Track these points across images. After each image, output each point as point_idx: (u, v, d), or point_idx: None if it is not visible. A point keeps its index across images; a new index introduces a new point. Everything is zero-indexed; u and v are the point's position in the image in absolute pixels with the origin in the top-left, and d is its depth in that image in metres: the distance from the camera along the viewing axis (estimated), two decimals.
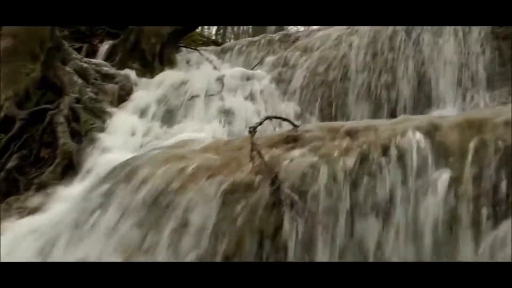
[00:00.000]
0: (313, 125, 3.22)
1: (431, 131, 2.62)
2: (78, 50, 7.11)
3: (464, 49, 5.61)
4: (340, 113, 5.96)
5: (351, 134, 2.85)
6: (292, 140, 3.00)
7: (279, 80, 6.53)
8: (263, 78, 6.48)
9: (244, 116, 5.82)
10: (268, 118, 3.20)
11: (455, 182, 2.40)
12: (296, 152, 2.81)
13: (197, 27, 9.20)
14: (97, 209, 3.06)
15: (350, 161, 2.58)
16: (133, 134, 5.39)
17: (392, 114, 5.68)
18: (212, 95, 6.04)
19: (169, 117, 5.81)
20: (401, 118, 2.97)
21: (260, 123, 3.06)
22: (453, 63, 5.63)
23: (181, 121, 5.73)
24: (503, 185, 2.25)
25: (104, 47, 7.50)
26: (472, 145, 2.46)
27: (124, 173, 3.18)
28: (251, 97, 6.16)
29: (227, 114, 5.82)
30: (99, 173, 3.87)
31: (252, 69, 6.90)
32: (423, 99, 5.68)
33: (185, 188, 2.79)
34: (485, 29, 5.57)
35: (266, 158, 2.79)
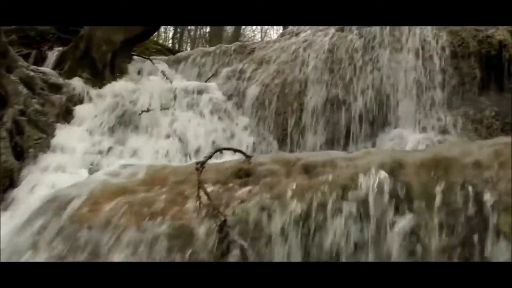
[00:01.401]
0: (266, 157, 2.95)
1: (395, 170, 2.40)
2: (26, 56, 6.71)
3: (423, 67, 5.46)
4: (295, 128, 5.73)
5: (308, 169, 2.60)
6: (244, 175, 2.73)
7: (233, 93, 6.27)
8: (217, 91, 6.19)
9: (197, 132, 5.53)
10: (219, 150, 2.91)
11: (420, 229, 2.18)
12: (247, 191, 2.54)
13: (152, 35, 8.84)
14: (28, 249, 2.72)
15: (306, 204, 2.32)
16: (79, 150, 5.03)
17: (348, 132, 5.52)
18: (163, 108, 5.72)
19: (118, 132, 5.47)
20: (363, 152, 2.72)
21: (210, 157, 2.77)
22: (412, 81, 5.47)
23: (130, 137, 5.39)
24: (475, 238, 2.03)
25: (54, 54, 7.08)
26: (439, 189, 2.23)
27: (58, 208, 2.84)
28: (204, 111, 5.87)
29: (178, 129, 5.52)
30: (37, 202, 3.52)
31: (206, 81, 6.61)
32: (381, 117, 5.52)
33: (124, 231, 2.48)
34: (445, 47, 5.44)
35: (215, 196, 2.51)
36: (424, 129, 5.24)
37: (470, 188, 2.17)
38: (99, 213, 2.62)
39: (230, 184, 2.67)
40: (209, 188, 2.63)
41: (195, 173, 2.75)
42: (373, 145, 5.12)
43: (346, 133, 5.56)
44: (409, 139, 5.16)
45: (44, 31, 7.67)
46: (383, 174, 2.36)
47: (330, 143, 5.56)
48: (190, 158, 5.19)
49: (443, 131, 5.16)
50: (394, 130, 5.36)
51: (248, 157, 2.88)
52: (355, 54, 5.87)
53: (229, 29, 20.79)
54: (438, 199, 2.22)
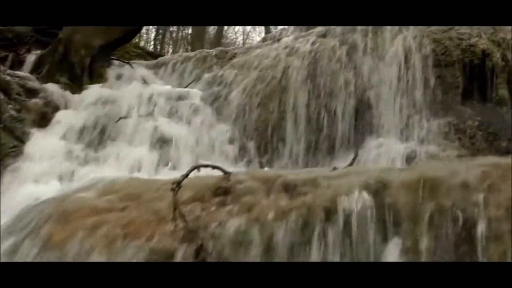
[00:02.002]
0: (246, 174, 2.83)
1: (379, 191, 2.30)
2: (3, 59, 6.58)
3: (406, 75, 5.39)
4: (277, 136, 5.62)
5: (288, 188, 2.49)
6: (222, 193, 2.61)
7: (214, 100, 6.14)
8: (197, 98, 6.07)
9: (176, 140, 5.40)
10: (196, 168, 2.79)
11: (408, 253, 2.08)
12: (226, 211, 2.43)
13: (132, 38, 8.68)
14: None
15: (287, 227, 2.22)
16: (56, 159, 4.87)
17: (331, 140, 5.43)
18: (142, 115, 5.58)
19: (96, 140, 5.32)
20: (345, 170, 2.63)
21: (186, 176, 2.65)
22: (395, 89, 5.40)
23: (108, 145, 5.24)
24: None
25: (32, 57, 6.90)
26: (426, 212, 2.14)
27: (28, 227, 2.71)
28: (184, 118, 5.75)
29: (158, 137, 5.38)
30: (7, 218, 3.37)
31: (186, 87, 6.49)
32: (364, 125, 5.44)
33: (94, 254, 2.35)
34: (428, 55, 5.38)
35: (192, 216, 2.40)
36: (407, 138, 5.16)
37: (459, 213, 2.08)
38: (69, 234, 2.49)
39: (208, 203, 2.56)
40: (186, 207, 2.52)
41: (175, 182, 2.64)
42: (356, 154, 5.03)
43: (329, 141, 5.46)
44: (392, 148, 5.07)
45: (22, 33, 7.51)
46: (366, 196, 2.26)
47: (312, 151, 5.46)
48: (170, 167, 5.07)
49: (426, 140, 5.08)
50: (377, 139, 5.27)
51: (227, 173, 2.77)
52: (338, 61, 5.77)
53: (211, 30, 20.70)
54: (425, 223, 2.12)
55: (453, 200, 2.13)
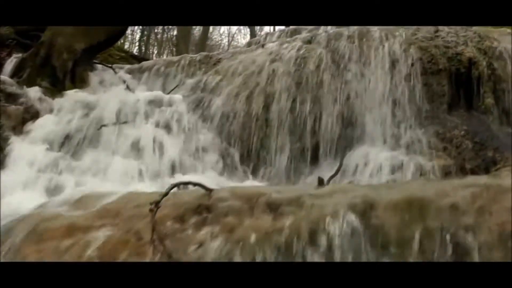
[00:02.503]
0: (228, 191, 2.73)
1: (366, 212, 2.22)
2: None
3: (392, 83, 5.33)
4: (261, 144, 5.53)
5: (272, 208, 2.40)
6: (203, 210, 2.51)
7: (197, 106, 6.04)
8: (180, 104, 5.96)
9: (159, 148, 5.30)
10: (176, 186, 2.69)
11: None
12: (207, 232, 2.33)
13: (115, 42, 8.56)
14: None
15: (270, 251, 2.13)
16: (36, 168, 4.74)
17: (315, 148, 5.34)
18: (125, 122, 5.47)
19: (77, 148, 5.20)
20: (331, 188, 2.55)
21: (165, 195, 2.55)
22: (381, 97, 5.34)
23: (90, 153, 5.11)
24: None
25: (12, 60, 6.75)
26: (415, 235, 2.06)
27: (6, 248, 2.59)
28: (167, 125, 5.64)
29: (140, 145, 5.27)
30: None
31: (169, 93, 6.37)
32: (350, 133, 5.37)
33: None
34: (414, 63, 5.33)
35: (171, 237, 2.30)
36: (393, 147, 5.10)
37: (448, 237, 2.01)
38: (43, 256, 2.38)
39: (188, 223, 2.46)
40: (165, 227, 2.43)
41: (154, 202, 2.54)
42: (341, 164, 4.96)
43: (313, 149, 5.39)
44: (378, 157, 5.01)
45: (3, 36, 7.35)
46: (352, 217, 2.18)
47: (297, 160, 5.38)
48: (152, 175, 4.96)
49: (413, 149, 5.03)
50: (363, 147, 5.21)
51: (208, 190, 2.67)
52: (323, 68, 5.70)
53: (196, 32, 20.61)
54: (414, 247, 2.04)
55: (442, 222, 2.05)
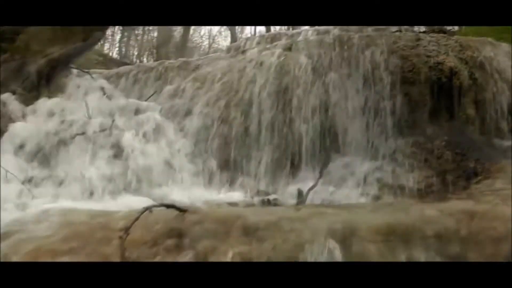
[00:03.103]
0: (203, 212, 2.60)
1: (346, 238, 2.11)
2: None
3: (373, 92, 5.24)
4: (240, 153, 5.40)
5: (249, 232, 2.28)
6: (177, 235, 2.39)
7: (175, 114, 5.90)
8: (158, 111, 5.82)
9: (135, 158, 5.15)
10: (148, 209, 2.55)
11: None
12: (181, 258, 2.20)
13: (93, 47, 8.37)
14: None
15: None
16: (6, 179, 4.56)
17: (295, 158, 5.24)
18: (101, 130, 5.30)
19: (50, 157, 5.02)
20: (310, 210, 2.44)
21: (136, 220, 2.42)
22: (362, 107, 5.25)
23: (63, 163, 4.94)
24: None
25: None
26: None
27: None
28: (144, 134, 5.49)
29: (115, 154, 5.12)
30: None
31: (146, 100, 6.23)
32: (330, 143, 5.27)
33: None
34: (395, 72, 5.25)
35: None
36: (374, 157, 5.02)
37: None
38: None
39: (161, 247, 2.33)
40: (136, 252, 2.29)
41: (123, 228, 2.41)
42: (321, 175, 4.87)
43: (293, 159, 5.28)
44: (358, 168, 4.93)
45: None
46: (332, 244, 2.07)
47: (277, 170, 5.26)
48: (128, 186, 4.82)
49: (393, 159, 4.95)
50: (344, 158, 5.13)
51: (182, 211, 2.55)
52: (304, 75, 5.59)
53: (177, 34, 20.43)
54: None
55: (427, 252, 1.96)
